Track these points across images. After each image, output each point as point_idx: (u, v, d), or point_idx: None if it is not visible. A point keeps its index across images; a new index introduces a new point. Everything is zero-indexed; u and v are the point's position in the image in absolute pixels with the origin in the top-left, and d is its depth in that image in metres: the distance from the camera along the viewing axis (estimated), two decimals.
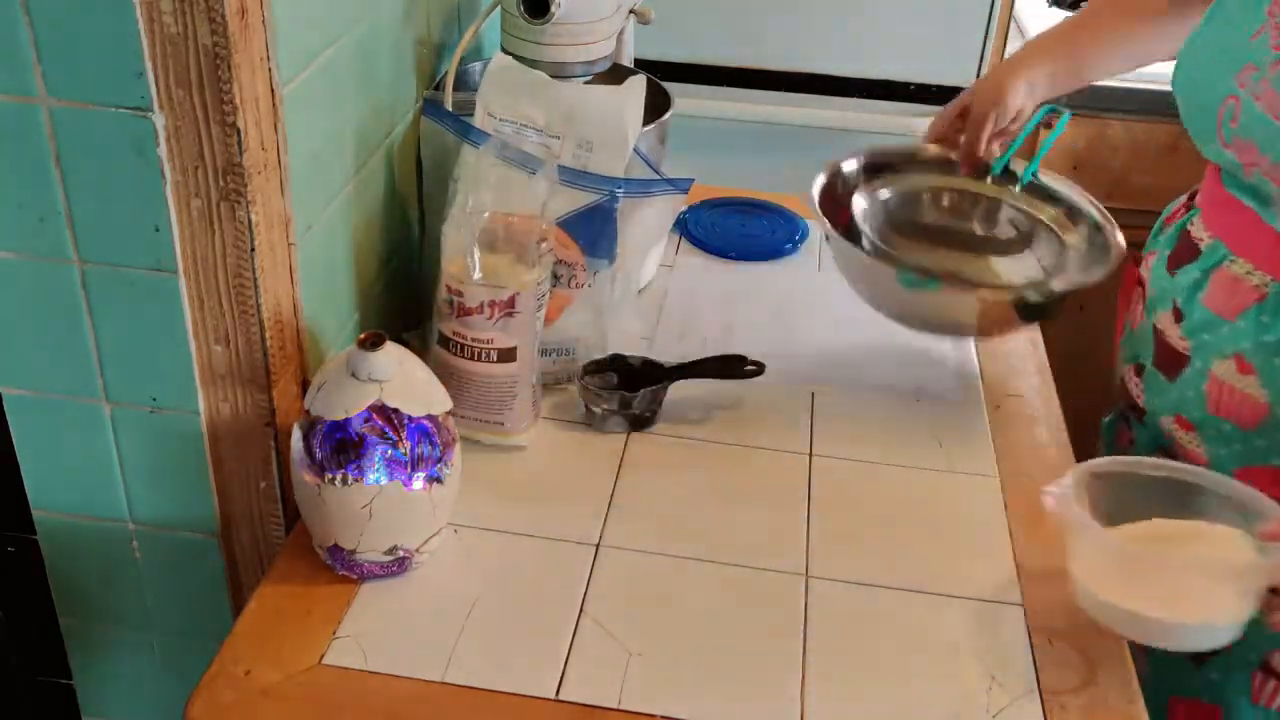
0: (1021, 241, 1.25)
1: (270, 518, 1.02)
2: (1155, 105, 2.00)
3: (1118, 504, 0.93)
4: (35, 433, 1.01)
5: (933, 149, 1.30)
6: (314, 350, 1.03)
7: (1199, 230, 1.09)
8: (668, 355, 1.18)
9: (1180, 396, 1.08)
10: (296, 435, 0.92)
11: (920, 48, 1.92)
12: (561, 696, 0.86)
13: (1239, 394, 1.03)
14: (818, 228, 1.49)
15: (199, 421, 0.98)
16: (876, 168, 1.29)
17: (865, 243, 1.19)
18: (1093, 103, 2.00)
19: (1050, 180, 1.27)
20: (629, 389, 1.12)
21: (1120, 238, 1.17)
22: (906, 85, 1.94)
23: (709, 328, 1.29)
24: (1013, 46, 2.05)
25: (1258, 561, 0.87)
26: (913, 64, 1.93)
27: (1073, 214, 1.24)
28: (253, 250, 0.89)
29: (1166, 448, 1.11)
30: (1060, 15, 2.23)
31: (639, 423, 1.13)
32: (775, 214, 1.52)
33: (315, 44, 0.96)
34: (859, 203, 1.24)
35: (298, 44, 0.92)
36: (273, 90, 0.88)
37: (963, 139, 1.26)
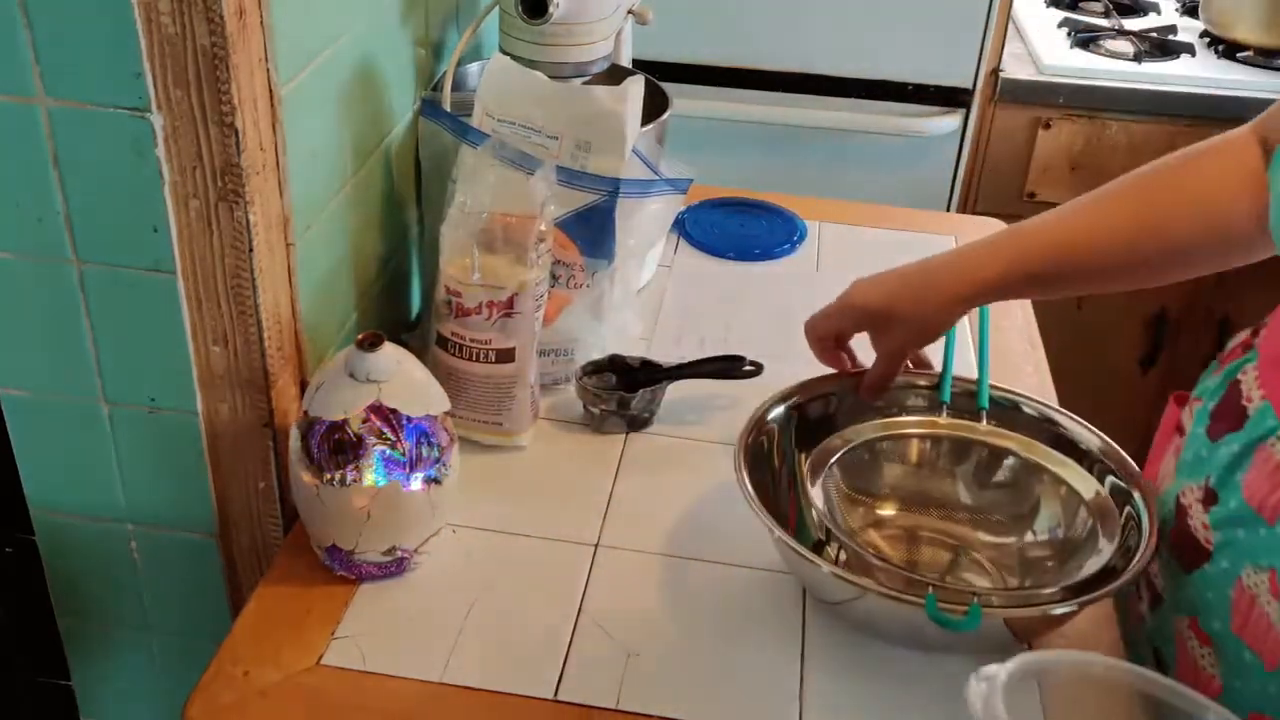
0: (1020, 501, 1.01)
1: (269, 518, 1.02)
2: (1154, 106, 2.00)
3: (1074, 711, 0.74)
4: (34, 433, 1.01)
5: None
6: (312, 351, 1.03)
7: (1250, 384, 0.85)
8: (666, 355, 1.18)
9: (1199, 598, 0.85)
10: (295, 436, 0.92)
11: (918, 48, 1.92)
12: (560, 697, 0.86)
13: (1267, 620, 0.79)
14: (816, 228, 1.50)
15: (197, 422, 0.98)
16: (806, 424, 1.04)
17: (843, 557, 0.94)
18: (1091, 103, 2.01)
19: (1007, 394, 1.04)
20: (627, 389, 1.12)
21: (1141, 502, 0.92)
22: (904, 85, 1.94)
23: (707, 328, 1.29)
24: (1011, 47, 2.05)
25: None
26: (911, 64, 1.93)
27: (1060, 442, 1.01)
28: (251, 251, 0.89)
29: (1170, 657, 0.89)
30: (1058, 15, 2.24)
31: (637, 423, 1.13)
32: (774, 214, 1.52)
33: (314, 45, 0.96)
34: (816, 496, 0.99)
35: (296, 44, 0.92)
36: (271, 91, 0.88)
37: (872, 375, 1.03)
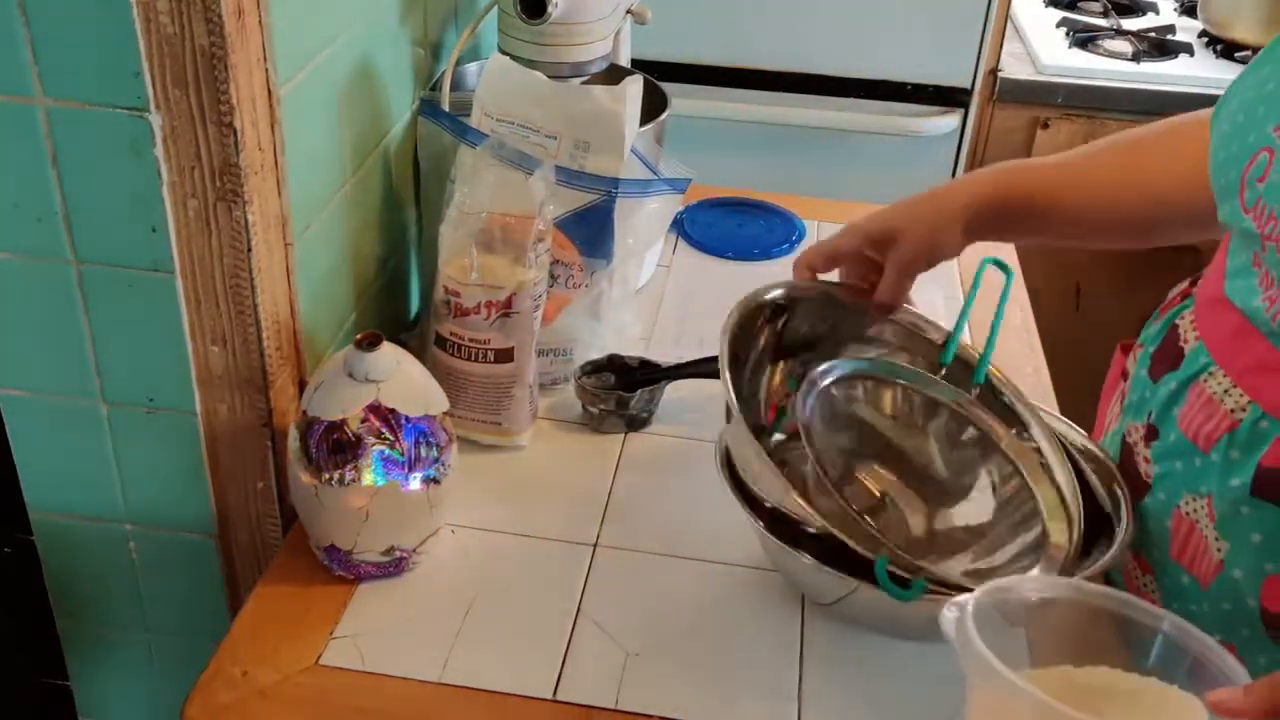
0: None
1: (267, 518, 1.02)
2: (1152, 105, 2.00)
3: (1052, 637, 0.75)
4: (32, 433, 1.01)
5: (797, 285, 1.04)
6: (311, 351, 1.03)
7: (1187, 328, 0.92)
8: (665, 355, 1.18)
9: (1141, 529, 0.92)
10: (293, 435, 0.92)
11: (917, 48, 1.92)
12: (559, 697, 0.86)
13: (1205, 543, 0.86)
14: (814, 228, 1.50)
15: (196, 422, 0.97)
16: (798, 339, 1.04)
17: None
18: (1089, 103, 2.01)
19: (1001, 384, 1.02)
20: (626, 389, 1.12)
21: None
22: (903, 85, 1.94)
23: (706, 328, 1.29)
24: (1010, 47, 2.05)
25: None
26: (910, 64, 1.93)
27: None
28: (250, 251, 0.89)
29: (1119, 586, 0.93)
30: (1056, 15, 2.24)
31: (636, 423, 1.13)
32: (772, 214, 1.52)
33: (312, 45, 0.96)
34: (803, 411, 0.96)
35: (295, 44, 0.92)
36: (270, 91, 0.88)
37: (881, 290, 1.02)
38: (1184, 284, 0.99)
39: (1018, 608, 0.75)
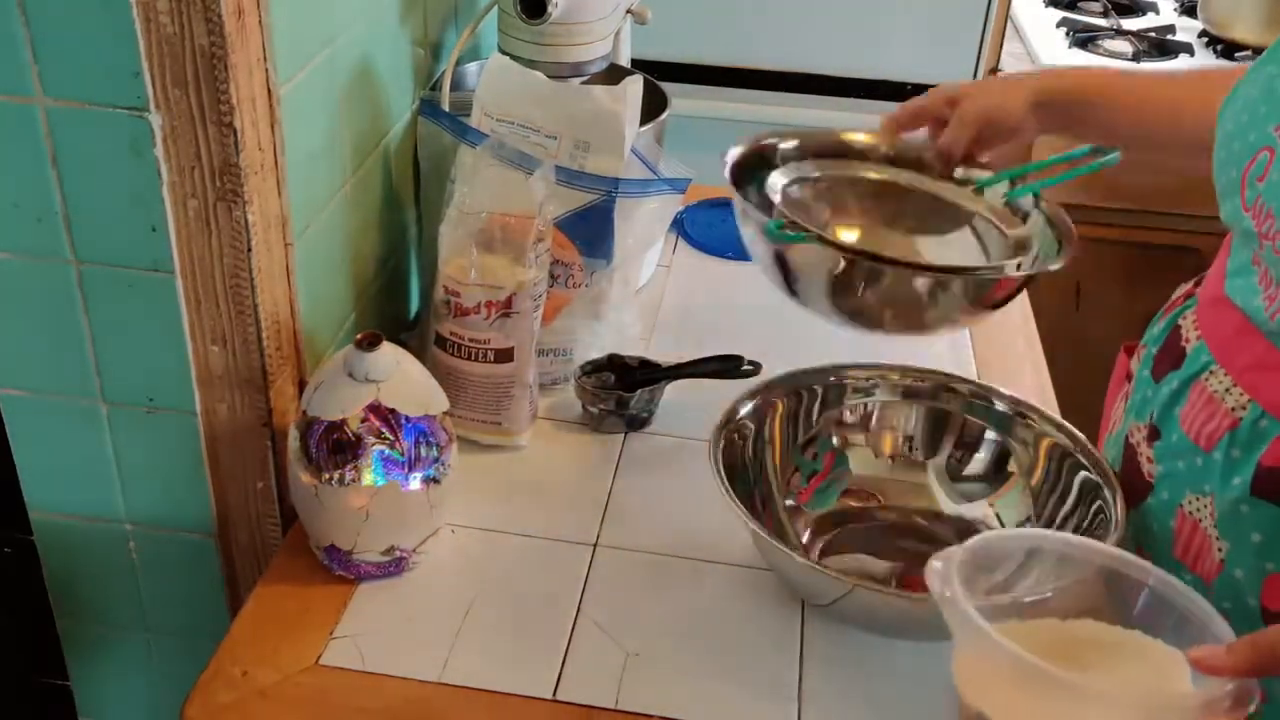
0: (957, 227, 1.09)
1: (267, 518, 1.02)
2: None
3: (1039, 590, 0.76)
4: (32, 433, 1.01)
5: (883, 146, 1.14)
6: (311, 350, 1.03)
7: (1189, 327, 0.93)
8: (665, 355, 1.18)
9: (1144, 529, 0.93)
10: (293, 435, 0.92)
11: (917, 48, 1.92)
12: (559, 697, 0.86)
13: (1209, 542, 0.87)
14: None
15: (196, 422, 0.97)
16: (811, 152, 1.13)
17: (774, 213, 1.02)
18: None
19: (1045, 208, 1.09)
20: (626, 389, 1.12)
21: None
22: (903, 85, 1.94)
23: (706, 328, 1.29)
24: (1010, 47, 2.05)
25: (1184, 695, 0.68)
26: (910, 64, 1.93)
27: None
28: (250, 250, 0.89)
29: None
30: (1056, 15, 2.24)
31: (636, 423, 1.13)
32: None
33: (312, 45, 0.96)
34: (777, 178, 1.09)
35: (295, 45, 0.92)
36: (270, 91, 0.88)
37: (944, 136, 1.09)
38: (1188, 284, 1.00)
39: (1004, 560, 0.76)
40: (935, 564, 0.71)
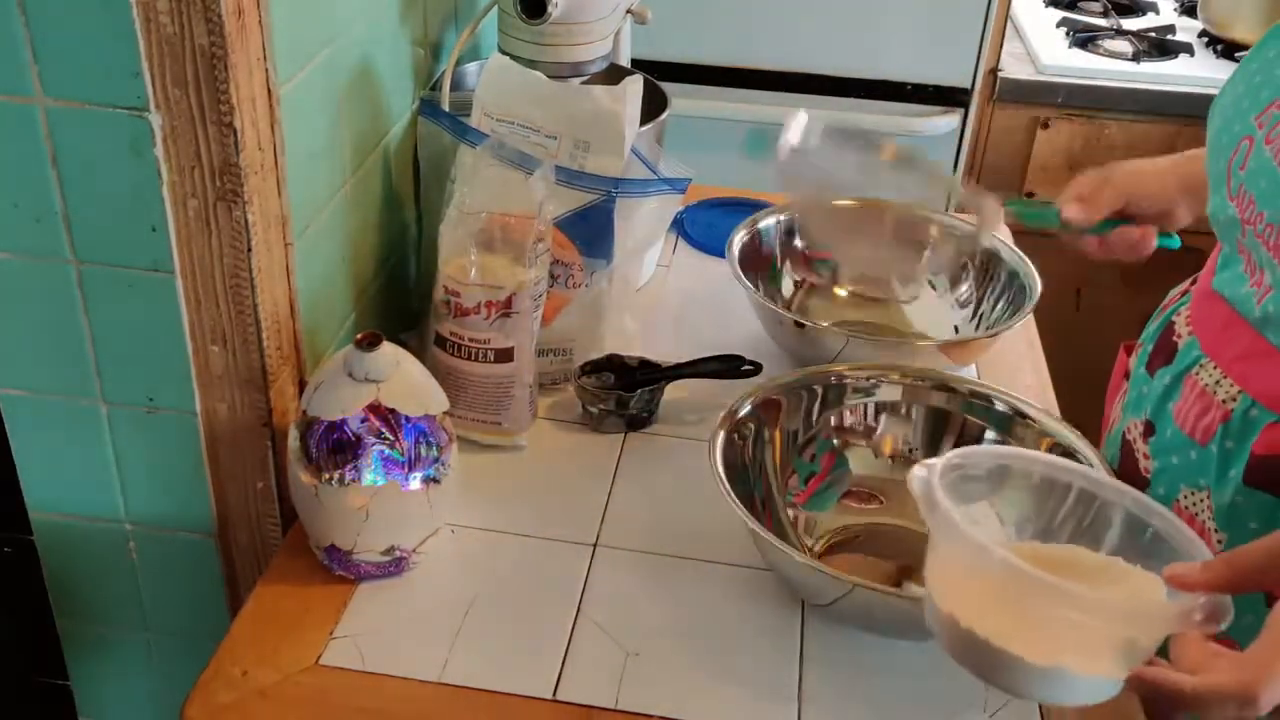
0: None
1: (267, 518, 1.02)
2: (1152, 105, 2.00)
3: (1017, 509, 0.77)
4: (32, 433, 1.01)
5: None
6: (311, 350, 1.03)
7: (1181, 323, 0.95)
8: (664, 355, 1.18)
9: None
10: (293, 435, 0.92)
11: (917, 48, 1.92)
12: (559, 697, 0.86)
13: (1207, 536, 0.88)
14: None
15: (196, 422, 0.97)
16: None
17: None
18: (1090, 103, 2.01)
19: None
20: (626, 389, 1.12)
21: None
22: (903, 85, 1.94)
23: (706, 328, 1.29)
24: (1010, 47, 2.05)
25: (1159, 603, 0.70)
26: (910, 64, 1.93)
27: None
28: (250, 250, 0.89)
29: None
30: (1056, 15, 2.24)
31: (636, 423, 1.13)
32: None
33: (312, 44, 0.96)
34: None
35: (295, 44, 0.92)
36: (270, 90, 0.88)
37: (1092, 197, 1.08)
38: (1184, 283, 1.01)
39: (985, 476, 0.77)
40: (918, 471, 0.72)
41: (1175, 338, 0.95)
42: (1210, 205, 0.90)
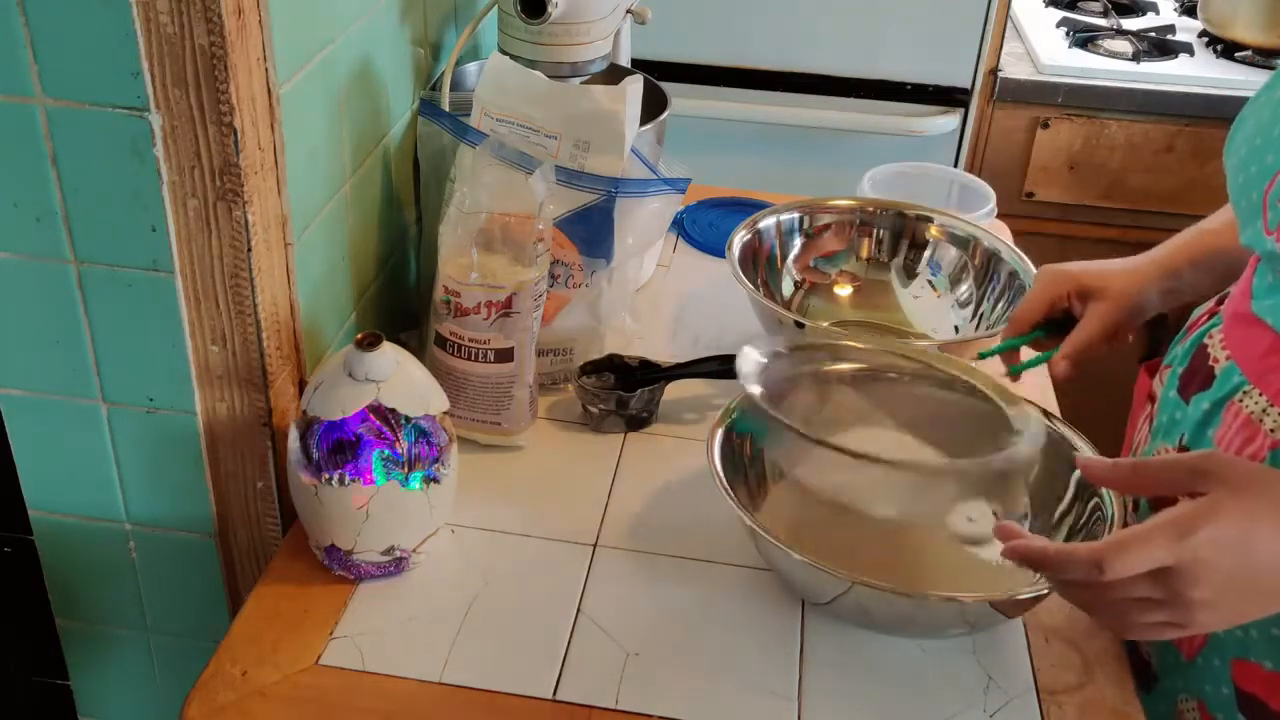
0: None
1: (267, 518, 1.02)
2: (1152, 105, 2.00)
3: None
4: (32, 433, 1.01)
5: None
6: (311, 350, 1.03)
7: (1216, 347, 0.92)
8: (664, 355, 1.18)
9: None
10: (293, 435, 0.92)
11: (917, 48, 1.92)
12: (559, 697, 0.86)
13: None
14: None
15: (196, 422, 0.97)
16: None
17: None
18: (1090, 103, 2.01)
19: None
20: (626, 389, 1.12)
21: None
22: (903, 85, 1.94)
23: (705, 327, 1.29)
24: (1010, 47, 2.05)
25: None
26: (910, 64, 1.93)
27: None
28: (249, 250, 0.89)
29: None
30: (1056, 15, 2.24)
31: (636, 423, 1.13)
32: None
33: (312, 44, 0.96)
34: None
35: (295, 44, 0.92)
36: (269, 90, 0.88)
37: (1082, 331, 1.05)
38: (1210, 303, 0.99)
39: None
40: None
41: (1212, 362, 0.91)
42: (1244, 237, 0.87)
